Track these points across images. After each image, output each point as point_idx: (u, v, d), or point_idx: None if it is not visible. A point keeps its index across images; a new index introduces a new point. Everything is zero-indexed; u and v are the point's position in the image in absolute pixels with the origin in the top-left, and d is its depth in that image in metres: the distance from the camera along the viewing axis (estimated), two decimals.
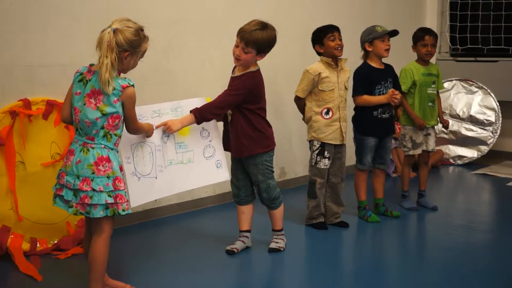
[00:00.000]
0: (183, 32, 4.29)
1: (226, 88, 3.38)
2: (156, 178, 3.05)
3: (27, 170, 3.40)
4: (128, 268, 3.27)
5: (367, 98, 4.08)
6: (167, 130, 3.11)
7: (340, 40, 3.91)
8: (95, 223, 2.67)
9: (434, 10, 7.00)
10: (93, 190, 2.58)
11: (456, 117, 6.47)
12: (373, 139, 4.15)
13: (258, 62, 3.38)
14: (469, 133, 6.40)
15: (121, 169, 2.67)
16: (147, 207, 4.10)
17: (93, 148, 2.60)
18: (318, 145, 3.94)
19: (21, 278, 3.10)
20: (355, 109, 4.19)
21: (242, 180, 3.52)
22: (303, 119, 4.07)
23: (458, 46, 6.91)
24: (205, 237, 3.81)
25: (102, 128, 2.61)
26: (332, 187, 4.05)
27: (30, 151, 3.41)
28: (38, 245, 3.44)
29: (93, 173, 2.58)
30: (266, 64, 3.62)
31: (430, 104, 4.46)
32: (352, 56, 4.22)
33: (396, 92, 4.07)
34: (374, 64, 4.14)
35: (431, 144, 4.55)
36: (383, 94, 4.10)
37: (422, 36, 4.43)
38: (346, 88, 3.98)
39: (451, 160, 6.43)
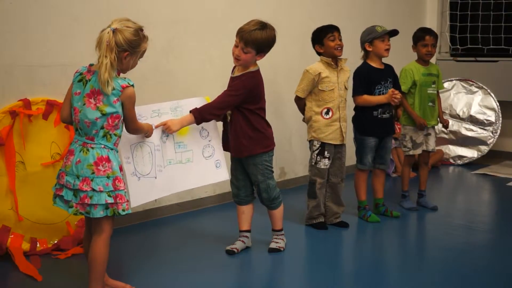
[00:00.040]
0: (183, 32, 4.29)
1: (226, 88, 3.38)
2: (155, 178, 3.05)
3: (27, 170, 3.40)
4: (128, 268, 3.27)
5: (367, 98, 4.08)
6: (167, 130, 3.11)
7: (340, 40, 3.91)
8: (95, 223, 2.67)
9: (434, 10, 7.00)
10: (93, 190, 2.58)
11: (456, 117, 6.47)
12: (373, 139, 4.15)
13: (258, 62, 3.38)
14: (469, 133, 6.41)
15: (121, 169, 2.67)
16: (147, 207, 4.10)
17: (92, 148, 2.60)
18: (318, 145, 3.94)
19: (21, 278, 3.10)
20: (355, 109, 4.19)
21: (242, 180, 3.52)
22: (303, 119, 4.07)
23: (458, 46, 6.91)
24: (205, 237, 3.81)
25: (102, 128, 2.61)
26: (332, 187, 4.05)
27: (30, 151, 3.41)
28: (38, 245, 3.44)
29: (93, 173, 2.58)
30: (266, 64, 3.62)
31: (430, 104, 4.46)
32: (352, 56, 4.22)
33: (396, 92, 4.07)
34: (374, 64, 4.14)
35: (431, 144, 4.55)
36: (383, 94, 4.10)
37: (422, 36, 4.43)
38: (346, 88, 3.98)
39: (451, 160, 6.43)
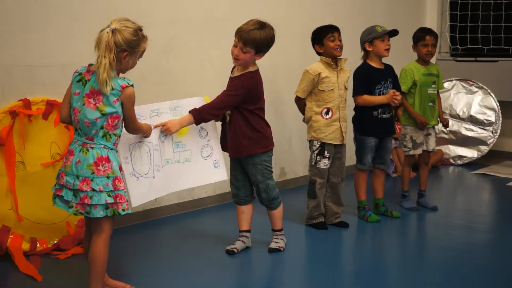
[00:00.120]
0: (183, 32, 4.29)
1: (225, 88, 3.38)
2: (153, 177, 3.05)
3: (27, 170, 3.40)
4: (128, 268, 3.27)
5: (368, 98, 4.08)
6: (166, 132, 3.10)
7: (340, 40, 3.91)
8: (95, 223, 2.66)
9: (434, 10, 7.00)
10: (93, 190, 2.58)
11: (456, 117, 6.47)
12: (373, 139, 4.15)
13: (257, 62, 3.38)
14: (469, 133, 6.41)
15: (120, 169, 2.67)
16: (147, 207, 4.10)
17: (92, 148, 2.60)
18: (318, 145, 3.94)
19: (21, 278, 3.10)
20: (355, 109, 4.19)
21: (241, 180, 3.52)
22: (303, 120, 4.07)
23: (458, 46, 6.91)
24: (205, 237, 3.81)
25: (102, 128, 2.60)
26: (332, 187, 4.05)
27: (30, 151, 3.41)
28: (38, 245, 3.44)
29: (93, 173, 2.58)
30: (265, 64, 3.62)
31: (430, 104, 4.46)
32: (352, 56, 4.22)
33: (397, 93, 4.07)
34: (374, 64, 4.14)
35: (432, 144, 4.55)
36: (383, 94, 4.10)
37: (422, 36, 4.43)
38: (346, 88, 3.98)
39: (451, 160, 6.43)
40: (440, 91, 4.67)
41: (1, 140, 3.29)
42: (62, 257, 3.39)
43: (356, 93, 4.09)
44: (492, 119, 6.33)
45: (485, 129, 6.36)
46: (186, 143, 3.24)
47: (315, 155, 3.96)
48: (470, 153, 6.40)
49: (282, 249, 3.57)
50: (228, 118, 3.39)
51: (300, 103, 4.00)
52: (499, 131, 6.31)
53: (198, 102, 3.28)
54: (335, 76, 3.91)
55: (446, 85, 6.39)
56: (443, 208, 4.61)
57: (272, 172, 3.49)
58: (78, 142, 2.63)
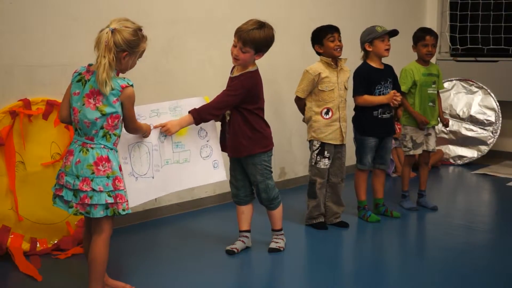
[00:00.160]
0: (183, 32, 4.29)
1: (225, 88, 3.38)
2: (153, 178, 3.05)
3: (27, 170, 3.40)
4: (128, 268, 3.27)
5: (368, 98, 4.08)
6: (166, 132, 3.10)
7: (340, 41, 3.90)
8: (95, 223, 2.66)
9: (434, 10, 7.00)
10: (93, 190, 2.57)
11: (456, 117, 6.47)
12: (373, 139, 4.15)
13: (257, 62, 3.37)
14: (469, 133, 6.41)
15: (120, 169, 2.67)
16: (147, 207, 4.10)
17: (92, 148, 2.60)
18: (318, 145, 3.94)
19: (21, 278, 3.10)
20: (355, 109, 4.19)
21: (241, 181, 3.52)
22: (303, 120, 4.07)
23: (458, 46, 6.91)
24: (205, 237, 3.81)
25: (102, 128, 2.60)
26: (332, 187, 4.05)
27: (30, 151, 3.41)
28: (38, 245, 3.44)
29: (93, 173, 2.58)
30: (266, 64, 3.62)
31: (430, 104, 4.46)
32: (352, 56, 4.22)
33: (398, 94, 4.07)
34: (374, 64, 4.14)
35: (432, 144, 4.55)
36: (383, 94, 4.11)
37: (422, 36, 4.43)
38: (346, 88, 3.98)
39: (451, 160, 6.43)
40: (440, 91, 4.67)
41: (1, 140, 3.29)
42: (62, 257, 3.39)
43: (356, 93, 4.09)
44: (492, 119, 6.33)
45: (485, 129, 6.36)
46: (185, 143, 3.24)
47: (315, 155, 3.96)
48: (470, 153, 6.40)
49: (282, 249, 3.57)
50: (227, 118, 3.39)
51: (300, 103, 4.00)
52: (499, 131, 6.31)
53: (198, 102, 3.28)
54: (335, 76, 3.91)
55: (446, 85, 6.39)
56: (443, 208, 4.61)
57: (271, 172, 3.49)
58: (78, 142, 2.63)
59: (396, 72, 4.29)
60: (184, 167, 3.22)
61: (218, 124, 3.44)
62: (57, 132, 3.49)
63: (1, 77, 3.37)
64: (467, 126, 6.43)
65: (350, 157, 4.60)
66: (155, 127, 3.06)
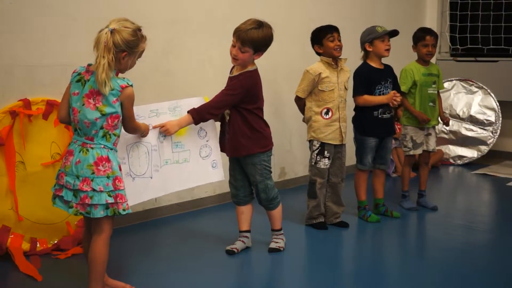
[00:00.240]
0: (183, 32, 4.29)
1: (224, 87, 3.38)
2: (151, 178, 3.05)
3: (27, 170, 3.40)
4: (128, 268, 3.27)
5: (368, 98, 4.08)
6: (165, 133, 3.10)
7: (339, 41, 3.90)
8: (95, 223, 2.66)
9: (434, 10, 7.00)
10: (93, 190, 2.57)
11: (456, 117, 6.47)
12: (373, 139, 4.15)
13: (257, 62, 3.37)
14: (469, 133, 6.41)
15: (120, 168, 2.67)
16: (147, 207, 4.10)
17: (92, 148, 2.60)
18: (318, 145, 3.94)
19: (21, 278, 3.10)
20: (355, 109, 4.19)
21: (241, 181, 3.52)
22: (303, 120, 4.07)
23: (458, 46, 6.91)
24: (205, 237, 3.81)
25: (102, 128, 2.60)
26: (332, 187, 4.05)
27: (30, 151, 3.41)
28: (38, 245, 3.44)
29: (93, 173, 2.58)
30: (265, 64, 3.62)
31: (430, 104, 4.46)
32: (352, 56, 4.22)
33: (398, 94, 4.07)
34: (374, 64, 4.14)
35: (432, 144, 4.56)
36: (383, 94, 4.11)
37: (423, 36, 4.43)
38: (346, 88, 3.98)
39: (451, 160, 6.43)
40: (440, 91, 4.67)
41: (1, 140, 3.29)
42: (62, 257, 3.39)
43: (357, 93, 4.09)
44: (492, 119, 6.33)
45: (485, 129, 6.36)
46: (185, 143, 3.24)
47: (315, 155, 3.96)
48: (470, 153, 6.40)
49: (282, 249, 3.57)
50: (227, 118, 3.39)
51: (300, 103, 4.00)
52: (499, 131, 6.31)
53: (197, 102, 3.28)
54: (335, 76, 3.91)
55: (446, 85, 6.39)
56: (443, 208, 4.61)
57: (271, 172, 3.48)
58: (78, 142, 2.63)
59: (396, 72, 4.29)
60: (183, 167, 3.22)
61: (218, 124, 3.44)
62: (57, 132, 3.49)
63: (1, 77, 3.37)
64: (467, 126, 6.43)
65: (350, 157, 4.60)
66: (154, 127, 3.06)
